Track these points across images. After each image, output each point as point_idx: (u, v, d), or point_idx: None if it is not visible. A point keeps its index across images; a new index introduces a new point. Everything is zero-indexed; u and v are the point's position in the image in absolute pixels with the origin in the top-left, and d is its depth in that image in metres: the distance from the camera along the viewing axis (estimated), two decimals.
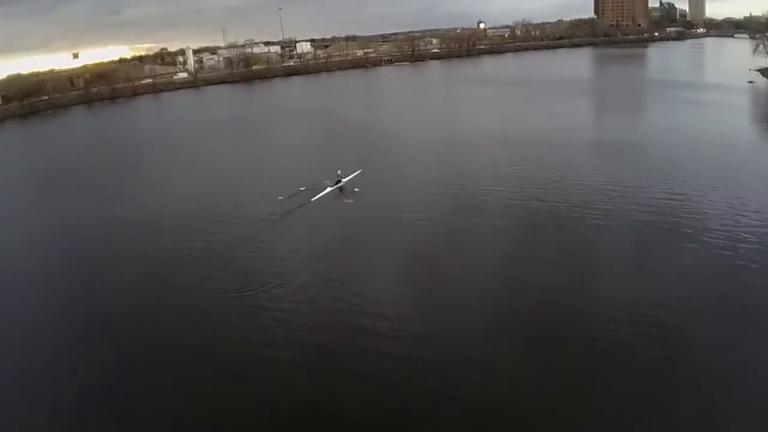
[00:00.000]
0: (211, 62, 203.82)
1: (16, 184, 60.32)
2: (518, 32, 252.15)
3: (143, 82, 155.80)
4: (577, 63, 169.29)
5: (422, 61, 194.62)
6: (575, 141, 57.17)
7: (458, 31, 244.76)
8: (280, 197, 40.07)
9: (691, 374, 19.61)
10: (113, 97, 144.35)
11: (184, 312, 26.99)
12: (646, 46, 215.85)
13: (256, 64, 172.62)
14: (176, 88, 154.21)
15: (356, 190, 42.42)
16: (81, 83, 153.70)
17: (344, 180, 43.86)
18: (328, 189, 42.01)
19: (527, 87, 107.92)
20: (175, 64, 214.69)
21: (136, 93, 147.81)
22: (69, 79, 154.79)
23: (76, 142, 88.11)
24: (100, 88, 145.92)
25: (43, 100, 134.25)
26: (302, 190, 40.96)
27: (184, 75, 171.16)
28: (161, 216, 41.88)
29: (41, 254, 37.17)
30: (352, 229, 36.67)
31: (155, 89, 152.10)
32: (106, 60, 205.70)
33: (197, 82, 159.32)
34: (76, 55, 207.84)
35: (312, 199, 40.20)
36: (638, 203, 36.29)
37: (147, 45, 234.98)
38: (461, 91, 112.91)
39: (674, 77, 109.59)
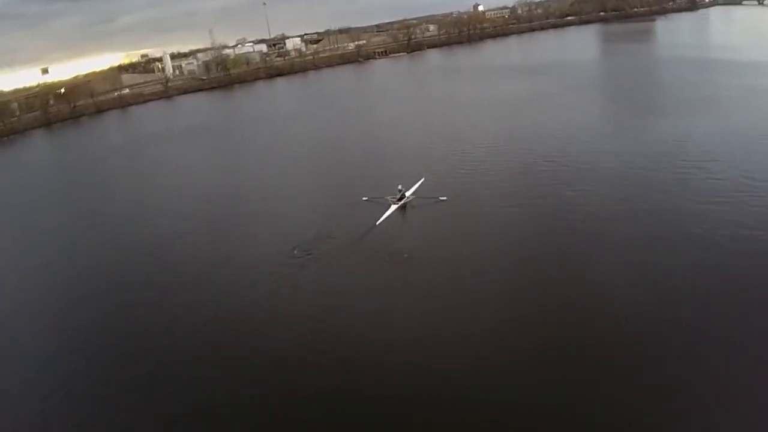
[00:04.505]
0: (191, 67, 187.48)
1: None
2: (520, 12, 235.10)
3: (108, 96, 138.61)
4: (592, 43, 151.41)
5: (420, 50, 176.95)
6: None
7: (454, 15, 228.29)
8: (364, 198, 39.35)
9: (707, 380, 19.06)
10: (76, 116, 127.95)
11: None
12: (659, 19, 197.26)
13: (234, 66, 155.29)
14: (145, 101, 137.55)
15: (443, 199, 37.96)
16: (51, 101, 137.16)
17: (408, 193, 38.97)
18: (393, 207, 37.20)
19: (544, 77, 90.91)
20: (154, 71, 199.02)
21: (100, 110, 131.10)
22: (27, 98, 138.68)
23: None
24: (60, 107, 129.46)
25: None
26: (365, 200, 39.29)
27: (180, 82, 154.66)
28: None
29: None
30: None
31: (122, 103, 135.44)
32: (97, 69, 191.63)
33: (169, 91, 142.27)
34: (45, 71, 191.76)
35: (377, 223, 35.29)
36: None
37: (143, 51, 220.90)
38: (467, 88, 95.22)
39: (718, 55, 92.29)
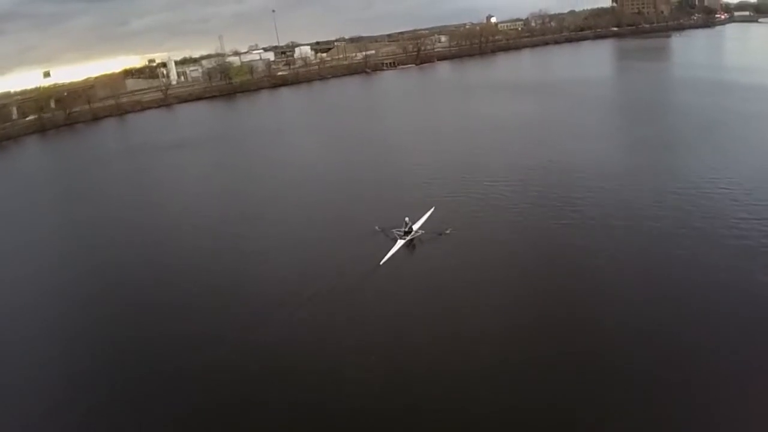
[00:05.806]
0: (196, 74, 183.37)
1: None
2: (534, 24, 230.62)
3: (106, 103, 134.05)
4: (607, 59, 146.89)
5: (429, 62, 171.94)
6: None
7: (467, 26, 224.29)
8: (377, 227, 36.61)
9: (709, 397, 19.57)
10: (71, 123, 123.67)
11: None
12: (675, 36, 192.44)
13: (237, 74, 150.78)
14: (143, 109, 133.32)
15: (447, 232, 35.66)
16: (51, 105, 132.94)
17: (417, 225, 36.37)
18: (400, 243, 34.70)
19: (558, 97, 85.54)
20: (159, 77, 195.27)
21: (96, 117, 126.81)
22: (23, 102, 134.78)
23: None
24: (55, 113, 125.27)
25: None
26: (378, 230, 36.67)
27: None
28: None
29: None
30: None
31: (119, 111, 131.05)
32: (108, 72, 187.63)
33: (168, 99, 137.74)
34: (47, 74, 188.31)
35: (381, 263, 32.57)
36: None
37: (154, 55, 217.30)
38: (476, 108, 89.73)
39: (737, 77, 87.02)
